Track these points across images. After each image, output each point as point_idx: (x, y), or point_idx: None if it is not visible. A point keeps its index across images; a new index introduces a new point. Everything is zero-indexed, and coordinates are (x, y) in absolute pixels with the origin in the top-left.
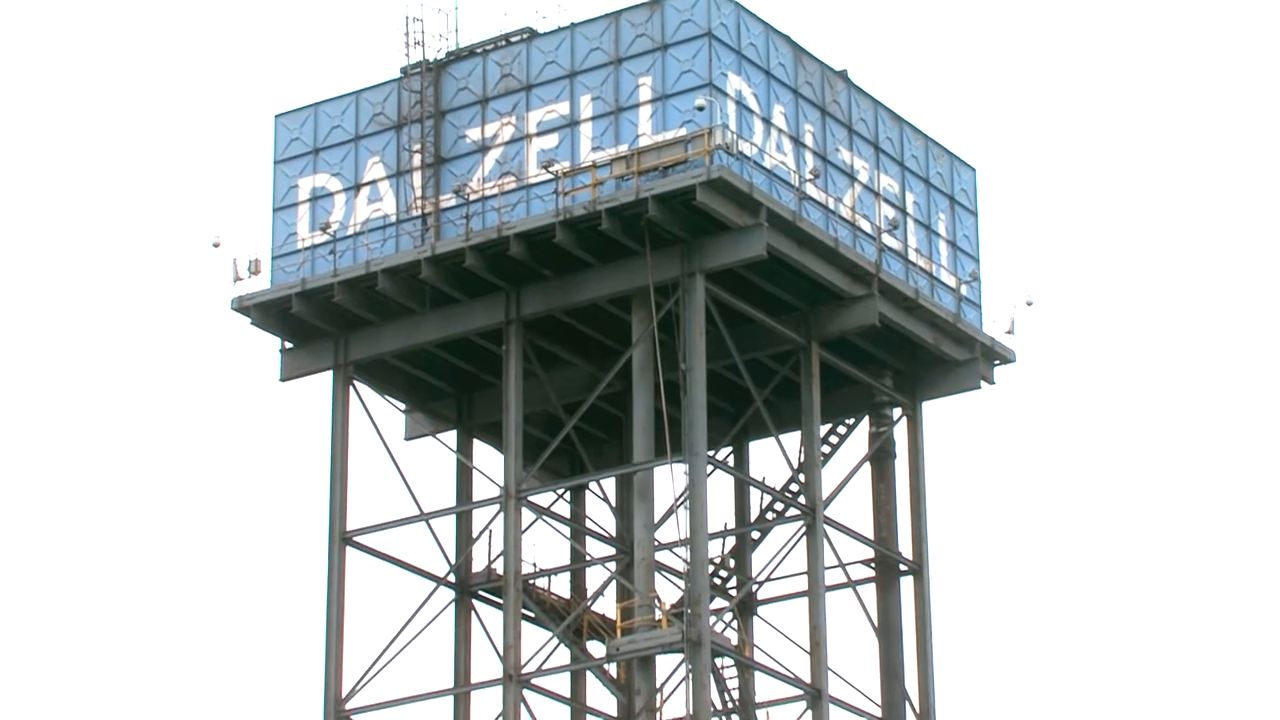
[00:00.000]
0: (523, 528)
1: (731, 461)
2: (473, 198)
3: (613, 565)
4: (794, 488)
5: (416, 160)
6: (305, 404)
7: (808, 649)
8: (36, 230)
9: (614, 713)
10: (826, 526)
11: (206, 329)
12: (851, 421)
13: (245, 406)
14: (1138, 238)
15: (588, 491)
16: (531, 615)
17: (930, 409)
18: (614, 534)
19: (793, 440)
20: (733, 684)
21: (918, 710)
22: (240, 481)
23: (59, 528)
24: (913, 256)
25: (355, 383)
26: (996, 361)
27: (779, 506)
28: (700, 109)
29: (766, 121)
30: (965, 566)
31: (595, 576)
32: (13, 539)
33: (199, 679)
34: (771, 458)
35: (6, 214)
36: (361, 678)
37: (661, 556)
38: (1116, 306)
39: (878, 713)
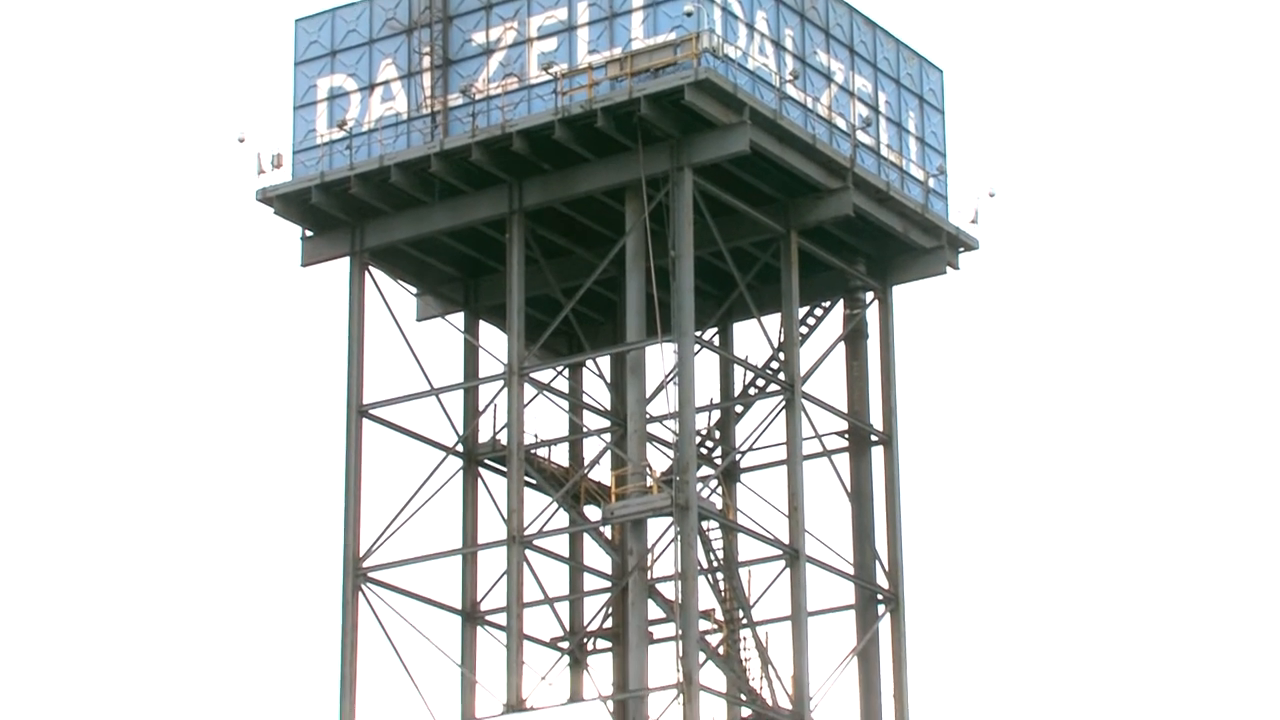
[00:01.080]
0: (525, 402)
1: (717, 341)
2: (478, 97)
3: (608, 436)
4: (774, 365)
5: (426, 62)
6: (324, 288)
7: (786, 513)
8: (76, 128)
9: (609, 571)
10: (804, 401)
11: (233, 219)
12: (827, 304)
13: (269, 290)
14: (1091, 135)
15: (585, 369)
16: (533, 482)
17: (900, 292)
18: (609, 408)
19: (773, 321)
20: (717, 545)
21: (886, 568)
22: (264, 359)
23: (92, 406)
24: (884, 152)
25: (370, 268)
26: (961, 249)
27: (760, 382)
28: (689, 15)
29: (750, 27)
30: (931, 437)
31: (592, 446)
32: (44, 409)
33: (227, 541)
34: (754, 338)
35: (47, 112)
36: (377, 539)
37: (652, 428)
38: (1073, 198)
39: (850, 570)
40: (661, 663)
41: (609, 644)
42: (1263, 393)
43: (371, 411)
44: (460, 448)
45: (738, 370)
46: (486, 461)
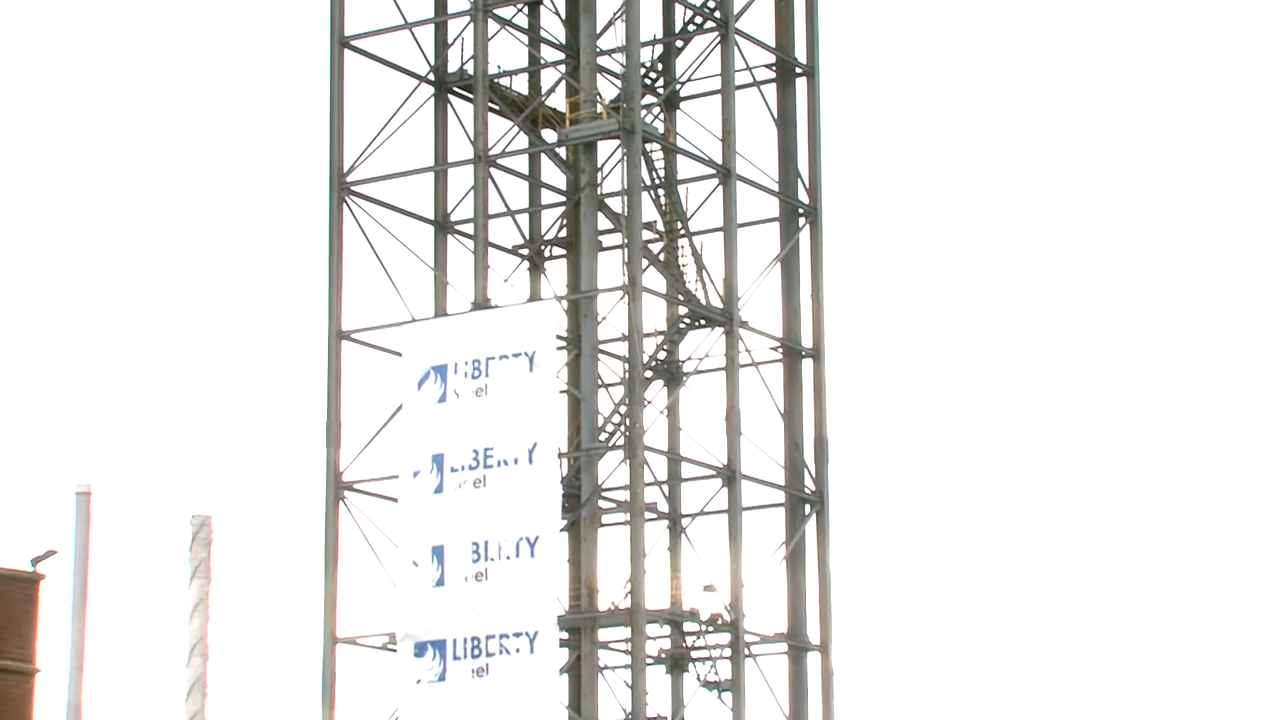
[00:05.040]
0: (489, 36)
1: None
2: None
3: (563, 67)
4: (710, 4)
5: None
6: None
7: (720, 136)
8: None
9: (563, 187)
10: (736, 37)
11: None
12: None
13: None
14: None
15: (542, 6)
16: (496, 108)
17: None
18: (564, 42)
19: None
20: (659, 164)
21: (808, 185)
22: None
23: (102, 48)
24: None
25: None
26: None
27: (698, 20)
28: None
29: None
30: (850, 70)
31: (548, 77)
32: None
33: (229, 158)
34: None
35: None
36: (360, 156)
37: (602, 61)
38: None
39: (775, 188)
40: (609, 267)
41: (563, 251)
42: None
43: (353, 43)
44: (432, 77)
45: (678, 8)
46: (455, 89)
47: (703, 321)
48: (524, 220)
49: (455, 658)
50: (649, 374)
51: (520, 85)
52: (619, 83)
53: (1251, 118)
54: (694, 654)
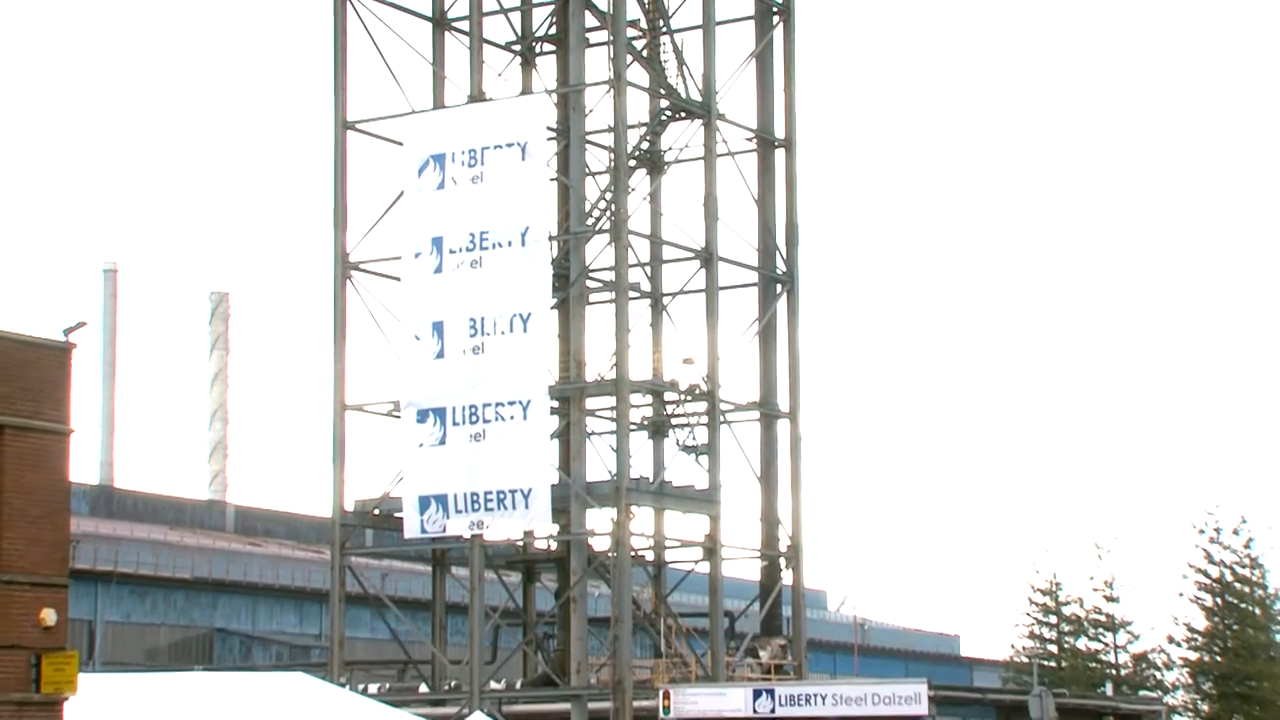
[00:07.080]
0: None
1: None
2: None
3: None
4: None
5: None
6: None
7: None
8: None
9: None
10: None
11: None
12: None
13: None
14: None
15: None
16: None
17: None
18: None
19: None
20: None
21: None
22: None
23: None
24: None
25: None
26: None
27: None
28: None
29: None
30: None
31: None
32: None
33: None
34: None
35: None
36: None
37: None
38: None
39: None
40: (596, 63)
41: (553, 48)
42: None
43: None
44: None
45: None
46: None
47: (683, 114)
48: (516, 18)
49: (454, 423)
50: (632, 163)
51: None
52: None
53: (1247, 117)
54: (673, 420)
